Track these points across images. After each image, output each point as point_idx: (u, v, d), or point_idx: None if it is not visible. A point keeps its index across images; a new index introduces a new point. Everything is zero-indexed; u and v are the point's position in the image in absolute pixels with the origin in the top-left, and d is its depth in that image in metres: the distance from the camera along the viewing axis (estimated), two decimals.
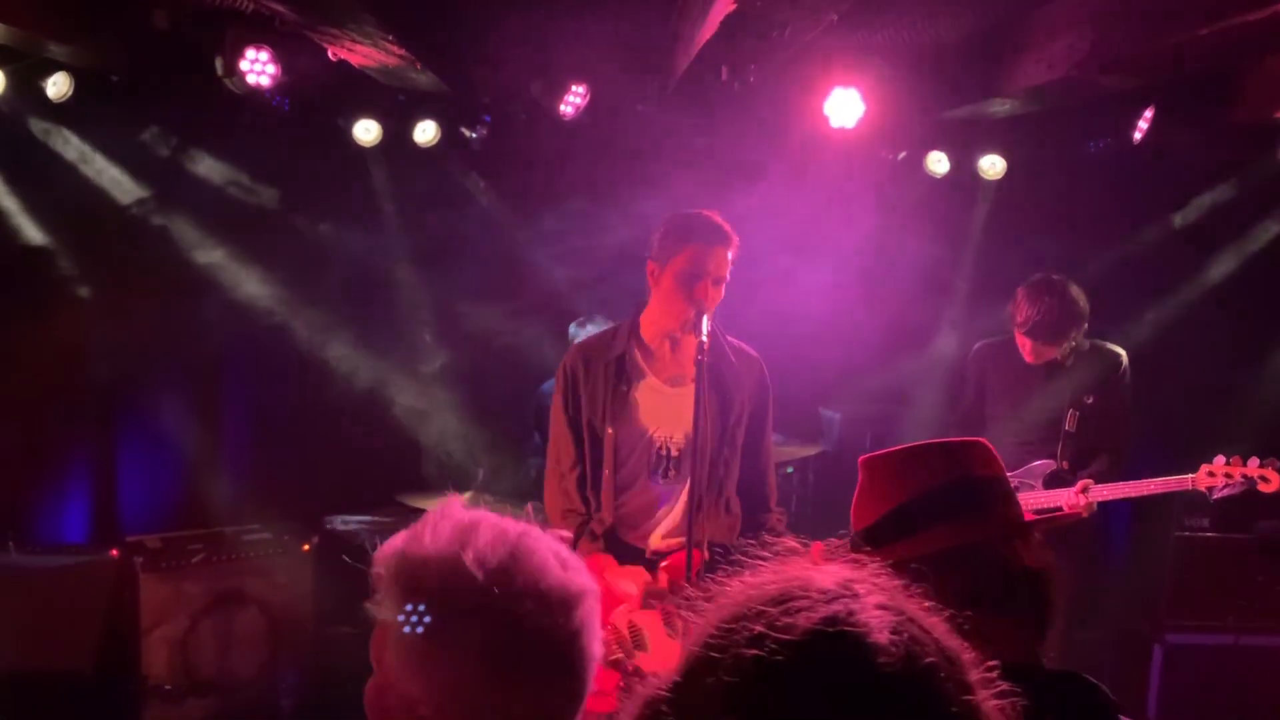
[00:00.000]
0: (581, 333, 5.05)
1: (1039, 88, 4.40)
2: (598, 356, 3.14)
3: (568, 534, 1.30)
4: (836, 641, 0.81)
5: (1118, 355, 4.13)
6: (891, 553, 1.47)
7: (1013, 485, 1.66)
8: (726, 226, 3.09)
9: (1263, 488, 3.67)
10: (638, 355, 3.13)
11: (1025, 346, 4.01)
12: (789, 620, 0.82)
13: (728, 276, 3.07)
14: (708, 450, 3.01)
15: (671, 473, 3.14)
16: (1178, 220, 5.53)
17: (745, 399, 3.15)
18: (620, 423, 3.08)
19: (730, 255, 3.07)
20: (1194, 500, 4.61)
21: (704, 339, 2.94)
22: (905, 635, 0.82)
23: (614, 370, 3.10)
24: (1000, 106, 4.85)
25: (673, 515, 3.15)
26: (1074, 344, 4.00)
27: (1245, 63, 4.61)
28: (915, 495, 1.50)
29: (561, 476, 3.20)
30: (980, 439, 1.62)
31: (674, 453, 3.12)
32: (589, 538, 3.13)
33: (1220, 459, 3.72)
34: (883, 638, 0.81)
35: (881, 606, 0.85)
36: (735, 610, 0.86)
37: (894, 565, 1.44)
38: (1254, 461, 3.68)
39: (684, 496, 3.09)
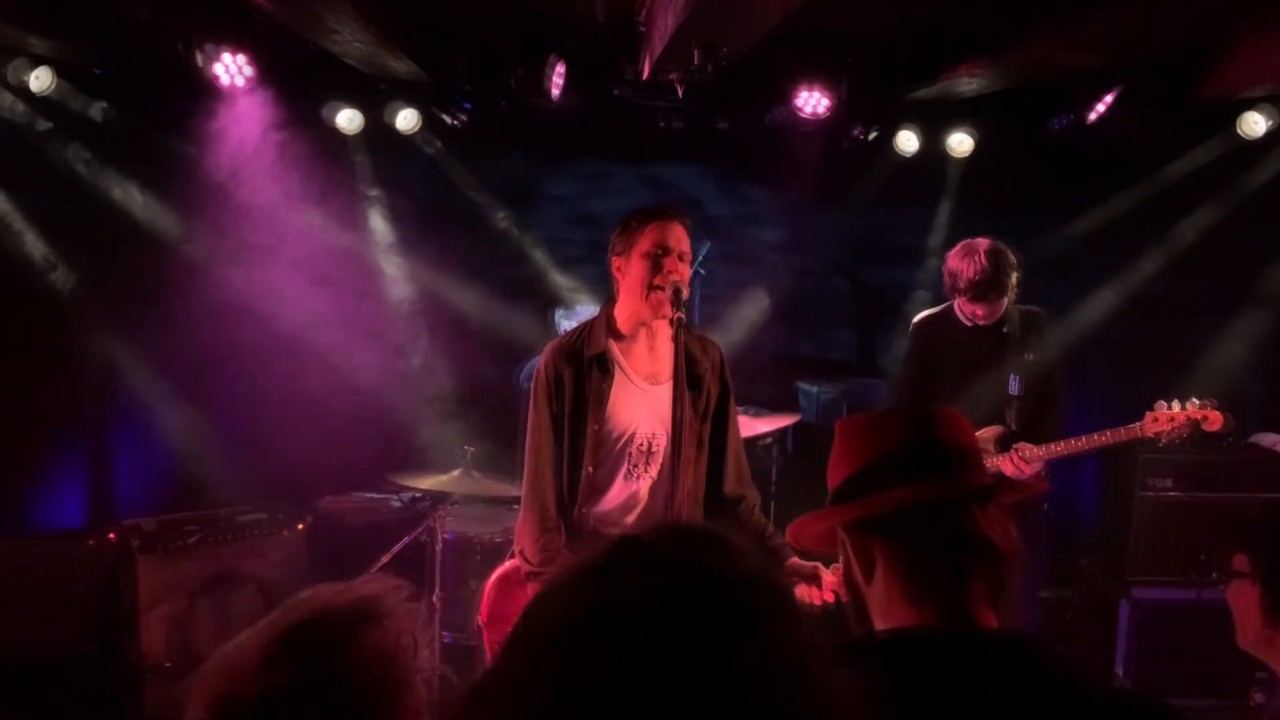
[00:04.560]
0: (565, 321, 5.16)
1: (1005, 64, 4.48)
2: (578, 354, 3.12)
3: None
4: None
5: (1042, 313, 4.15)
6: (850, 511, 1.50)
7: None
8: (679, 206, 3.16)
9: (1206, 427, 3.77)
10: (617, 352, 3.13)
11: (971, 310, 3.99)
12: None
13: (690, 254, 3.08)
14: (687, 447, 3.04)
15: (650, 469, 3.14)
16: (1141, 195, 5.64)
17: (712, 390, 3.16)
18: (602, 420, 3.08)
19: (687, 235, 3.07)
20: (1157, 462, 4.79)
21: (680, 314, 2.97)
22: None
23: (595, 368, 3.09)
24: (967, 85, 4.92)
25: (649, 512, 3.14)
26: (1015, 298, 3.98)
27: (1210, 40, 4.68)
28: (878, 456, 1.50)
29: (538, 474, 3.14)
30: (949, 406, 1.61)
31: (653, 449, 3.13)
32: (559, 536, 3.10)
33: (1162, 404, 3.80)
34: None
35: None
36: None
37: (850, 524, 1.49)
38: (1194, 403, 3.78)
39: (660, 493, 3.11)
